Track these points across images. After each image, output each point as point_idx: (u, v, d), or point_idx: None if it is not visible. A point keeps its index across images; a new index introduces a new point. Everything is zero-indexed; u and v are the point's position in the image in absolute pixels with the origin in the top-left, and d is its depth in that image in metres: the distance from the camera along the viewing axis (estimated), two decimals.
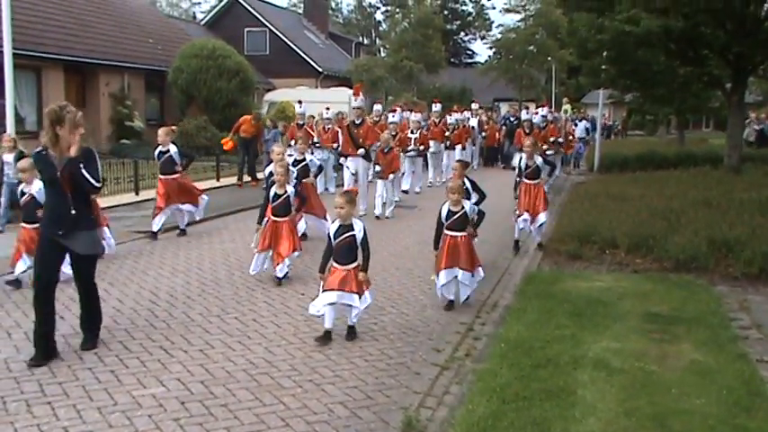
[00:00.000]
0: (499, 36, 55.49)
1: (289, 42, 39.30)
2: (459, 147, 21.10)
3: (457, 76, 55.90)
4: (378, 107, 19.72)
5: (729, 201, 12.11)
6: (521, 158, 10.97)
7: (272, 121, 19.83)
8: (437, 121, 20.59)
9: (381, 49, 58.14)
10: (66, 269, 6.50)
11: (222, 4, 41.68)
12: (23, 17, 21.26)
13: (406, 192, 16.97)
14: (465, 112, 23.95)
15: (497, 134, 26.12)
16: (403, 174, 16.92)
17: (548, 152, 16.18)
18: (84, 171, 5.97)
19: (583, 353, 6.14)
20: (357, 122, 13.84)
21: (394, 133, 16.25)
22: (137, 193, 15.62)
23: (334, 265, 6.67)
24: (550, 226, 12.70)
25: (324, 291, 6.59)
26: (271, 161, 10.26)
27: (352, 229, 6.63)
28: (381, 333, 6.91)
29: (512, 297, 8.20)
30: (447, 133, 20.37)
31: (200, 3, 67.97)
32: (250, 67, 27.98)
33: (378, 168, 13.93)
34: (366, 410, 5.18)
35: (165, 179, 11.27)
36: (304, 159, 11.14)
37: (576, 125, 26.24)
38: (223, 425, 4.89)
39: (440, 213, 7.73)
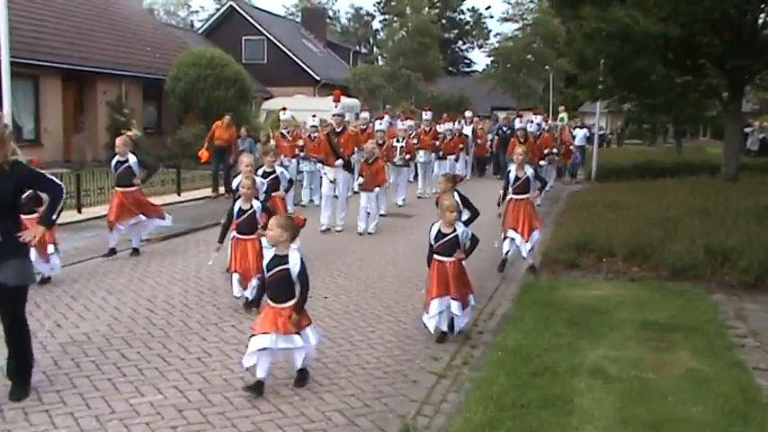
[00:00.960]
0: (497, 45, 55.66)
1: (286, 51, 39.39)
2: (452, 157, 20.36)
3: (455, 84, 56.06)
4: (365, 115, 19.29)
5: (726, 209, 12.13)
6: (509, 170, 10.06)
7: (246, 130, 18.62)
8: (427, 129, 19.90)
9: (379, 57, 58.30)
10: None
11: (220, 12, 41.81)
12: (21, 25, 21.28)
13: (401, 206, 16.51)
14: (460, 121, 23.49)
15: (486, 144, 25.15)
16: (389, 186, 16.11)
17: (541, 163, 15.48)
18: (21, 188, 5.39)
19: (580, 361, 6.14)
20: (337, 130, 13.24)
21: (381, 142, 15.64)
22: None
23: (268, 302, 5.69)
24: (547, 235, 12.74)
25: (253, 335, 5.54)
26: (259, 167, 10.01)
27: (287, 262, 5.49)
28: (378, 341, 6.91)
29: (509, 305, 8.21)
30: (437, 143, 19.68)
31: (197, 11, 68.31)
32: (248, 75, 28.01)
33: (361, 180, 13.08)
34: (363, 418, 5.18)
35: (123, 192, 10.33)
36: (274, 172, 10.22)
37: (573, 134, 25.34)
38: None
39: (430, 233, 7.01)
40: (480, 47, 74.63)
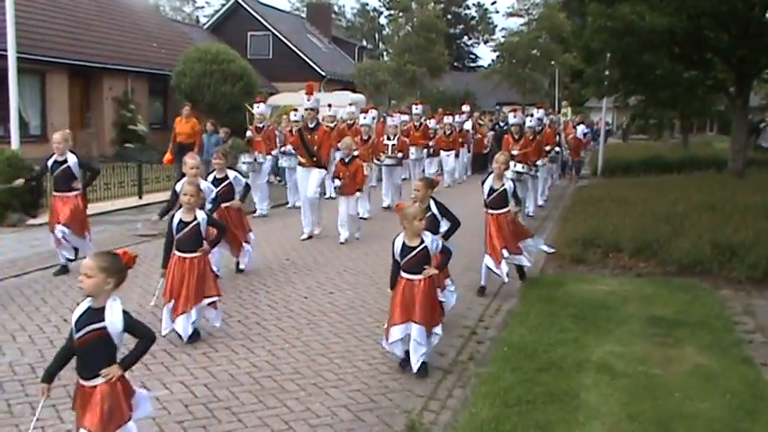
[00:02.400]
0: (502, 40, 55.53)
1: (292, 46, 39.36)
2: (453, 153, 19.81)
3: (460, 80, 55.99)
4: (351, 109, 18.24)
5: (733, 204, 12.09)
6: (485, 178, 8.67)
7: (212, 125, 16.89)
8: (417, 125, 18.85)
9: (384, 53, 58.24)
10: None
11: (225, 8, 41.77)
12: (28, 21, 21.33)
13: (387, 208, 14.99)
14: (461, 116, 22.34)
15: (484, 139, 24.35)
16: (375, 186, 15.46)
17: (538, 162, 13.95)
18: None
19: (586, 356, 6.13)
20: (310, 126, 11.77)
21: (366, 137, 14.52)
22: (140, 197, 15.64)
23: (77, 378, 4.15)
24: (553, 230, 12.72)
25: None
26: (210, 172, 9.06)
27: (103, 318, 3.94)
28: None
29: (515, 301, 8.19)
30: (431, 142, 18.97)
31: (203, 7, 68.30)
32: (253, 71, 28.02)
33: (337, 183, 11.56)
34: (369, 413, 5.18)
35: (61, 197, 8.96)
36: (226, 177, 8.92)
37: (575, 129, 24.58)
38: (226, 428, 4.90)
39: (393, 248, 6.00)
40: (486, 42, 74.53)
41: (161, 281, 6.78)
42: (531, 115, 14.95)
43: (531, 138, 13.78)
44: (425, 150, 18.60)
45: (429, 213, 6.61)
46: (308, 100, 11.70)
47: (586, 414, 5.03)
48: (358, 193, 11.69)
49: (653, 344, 6.54)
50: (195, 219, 6.64)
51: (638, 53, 16.60)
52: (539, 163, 14.00)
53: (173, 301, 6.49)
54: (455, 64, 67.94)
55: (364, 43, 62.76)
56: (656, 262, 9.59)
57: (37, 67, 21.46)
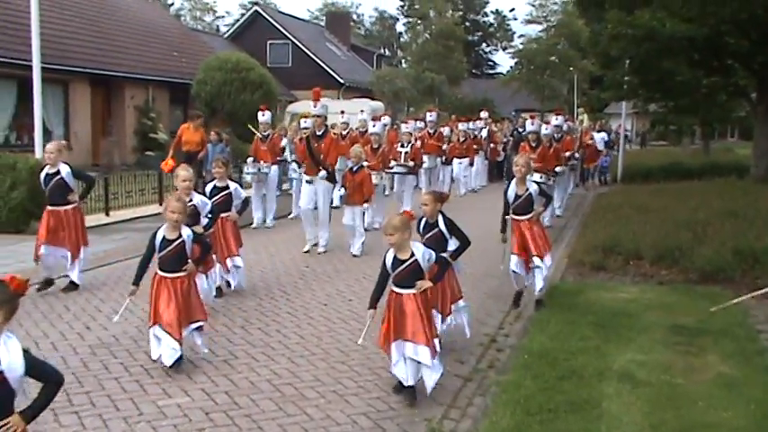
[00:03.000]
0: (521, 47, 55.44)
1: (311, 54, 39.57)
2: (466, 160, 19.22)
3: (479, 87, 55.97)
4: (363, 116, 17.72)
5: (756, 211, 11.98)
6: (507, 186, 8.30)
7: (216, 133, 15.95)
8: (431, 132, 18.12)
9: (403, 60, 58.32)
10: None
11: (245, 17, 42.16)
12: (52, 32, 21.56)
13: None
14: (477, 122, 21.98)
15: (498, 147, 23.50)
16: (387, 194, 14.83)
17: (557, 169, 13.63)
18: None
19: (608, 365, 6.10)
20: (318, 134, 11.24)
21: (376, 146, 13.63)
22: (161, 204, 15.71)
23: None
24: (573, 237, 12.66)
25: None
26: (210, 181, 8.83)
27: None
28: None
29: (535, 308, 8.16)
30: (444, 146, 18.20)
31: (223, 16, 68.82)
32: (273, 79, 28.17)
33: (342, 192, 11.26)
34: (389, 422, 5.17)
35: (55, 211, 8.47)
36: (226, 187, 8.46)
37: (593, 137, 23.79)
38: None
39: (384, 262, 5.64)
40: (504, 49, 74.41)
41: (128, 299, 6.41)
42: (548, 123, 14.32)
43: (548, 145, 13.59)
44: (439, 159, 18.07)
45: (436, 229, 6.36)
46: (315, 107, 11.24)
47: (608, 423, 5.00)
48: (365, 205, 11.33)
49: (675, 352, 6.49)
50: (180, 236, 6.14)
51: (657, 59, 16.52)
52: (558, 170, 13.69)
53: (157, 325, 6.00)
54: (473, 71, 67.88)
55: (383, 51, 62.91)
56: (678, 269, 9.52)
57: (60, 77, 21.70)
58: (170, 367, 5.96)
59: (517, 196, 7.98)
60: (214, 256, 7.90)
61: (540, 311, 7.90)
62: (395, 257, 5.51)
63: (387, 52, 65.92)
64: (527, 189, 7.95)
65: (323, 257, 10.90)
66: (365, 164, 11.71)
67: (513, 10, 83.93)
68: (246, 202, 8.92)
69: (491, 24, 75.26)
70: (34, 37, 12.33)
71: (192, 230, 6.37)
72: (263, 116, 14.28)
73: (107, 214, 14.10)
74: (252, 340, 6.92)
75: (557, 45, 50.59)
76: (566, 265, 10.34)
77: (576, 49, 46.60)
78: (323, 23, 52.80)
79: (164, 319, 5.95)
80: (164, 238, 6.16)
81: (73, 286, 8.63)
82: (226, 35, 43.30)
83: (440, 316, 6.35)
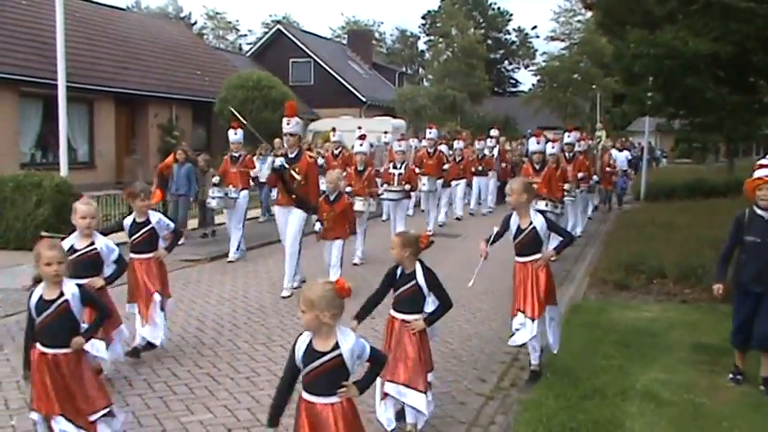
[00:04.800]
0: (543, 64, 55.43)
1: (333, 72, 39.82)
2: (463, 181, 17.58)
3: (501, 105, 55.91)
4: (387, 138, 16.33)
5: None
6: (508, 217, 6.44)
7: (183, 152, 13.92)
8: (431, 151, 16.17)
9: (424, 78, 58.52)
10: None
11: (268, 35, 42.55)
12: (77, 51, 21.90)
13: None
14: (480, 142, 20.05)
15: (508, 167, 21.52)
16: (386, 219, 13.51)
17: (566, 198, 12.04)
18: None
19: (631, 384, 6.05)
20: (291, 156, 9.36)
21: (361, 167, 12.01)
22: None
23: None
24: (596, 255, 12.57)
25: None
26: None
27: None
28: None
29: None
30: (445, 166, 16.32)
31: (246, 35, 69.33)
32: (295, 97, 28.37)
33: (319, 226, 9.37)
34: None
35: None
36: (147, 222, 6.78)
37: (614, 157, 21.96)
38: None
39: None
40: (526, 67, 74.43)
41: (29, 386, 4.78)
42: (554, 140, 12.46)
43: (554, 167, 11.61)
44: (440, 181, 16.08)
45: (413, 283, 5.18)
46: (288, 123, 9.34)
47: None
48: (338, 241, 9.52)
49: (699, 372, 6.43)
50: (62, 295, 4.49)
51: (681, 77, 16.45)
52: (566, 199, 12.02)
53: (43, 419, 4.48)
54: (495, 89, 67.93)
55: (404, 69, 63.18)
56: (702, 288, 9.41)
57: (85, 96, 22.02)
58: None
59: (519, 231, 6.29)
60: (134, 310, 6.80)
61: (564, 329, 7.84)
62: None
63: (408, 70, 66.22)
64: (530, 222, 6.24)
65: (345, 275, 10.88)
66: (348, 189, 10.91)
67: (535, 27, 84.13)
68: (177, 233, 7.24)
69: (513, 42, 75.37)
70: (60, 56, 12.52)
71: (80, 286, 4.64)
72: (235, 135, 12.59)
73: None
74: (274, 357, 6.95)
75: (579, 63, 50.52)
76: (588, 284, 10.29)
77: (599, 66, 46.56)
78: (345, 41, 53.17)
79: (43, 407, 4.42)
80: (40, 298, 4.50)
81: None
82: (248, 53, 43.71)
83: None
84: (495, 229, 6.43)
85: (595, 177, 16.45)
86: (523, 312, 6.23)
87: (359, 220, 11.24)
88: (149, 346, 6.83)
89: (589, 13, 44.55)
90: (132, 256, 6.76)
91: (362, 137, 12.58)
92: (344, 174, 11.43)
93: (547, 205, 10.67)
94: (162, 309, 6.81)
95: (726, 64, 16.20)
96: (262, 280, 10.67)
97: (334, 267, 9.50)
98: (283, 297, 9.29)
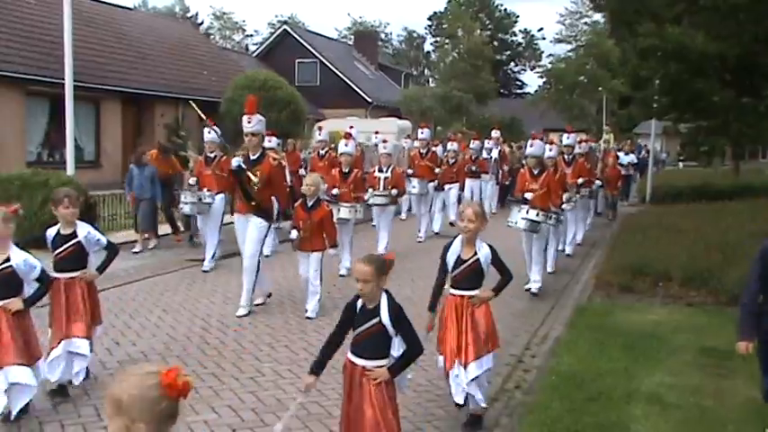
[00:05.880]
0: (549, 66, 55.38)
1: (339, 73, 39.84)
2: (456, 185, 16.12)
3: (507, 106, 55.82)
4: (320, 135, 15.06)
5: None
6: (450, 243, 5.65)
7: (143, 153, 13.21)
8: (423, 152, 15.28)
9: (431, 79, 58.51)
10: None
11: (274, 35, 42.62)
12: (84, 50, 21.94)
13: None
14: (484, 142, 19.33)
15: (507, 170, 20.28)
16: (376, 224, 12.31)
17: (564, 206, 10.76)
18: None
19: (636, 387, 6.04)
20: (252, 157, 8.46)
21: (346, 170, 11.18)
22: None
23: None
24: (601, 258, 12.54)
25: None
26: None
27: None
28: (430, 363, 6.87)
29: (562, 329, 8.11)
30: (437, 170, 15.14)
31: (252, 35, 69.42)
32: (301, 97, 28.39)
33: (294, 234, 8.46)
34: None
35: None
36: (74, 235, 5.86)
37: (620, 162, 21.58)
38: None
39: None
40: (533, 68, 74.36)
41: None
42: (552, 143, 11.62)
43: (553, 170, 10.57)
44: (431, 184, 15.05)
45: (376, 320, 4.27)
46: (249, 122, 8.38)
47: None
48: (331, 250, 8.58)
49: (705, 375, 6.41)
50: None
51: (687, 79, 16.43)
52: (565, 206, 10.80)
53: None
54: (502, 90, 67.85)
55: (410, 70, 63.17)
56: (707, 291, 9.40)
57: (92, 95, 22.05)
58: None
59: (460, 261, 5.52)
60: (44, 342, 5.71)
61: (568, 332, 7.83)
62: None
63: (414, 71, 66.22)
64: (475, 253, 5.49)
65: (350, 277, 10.87)
66: (335, 192, 10.45)
67: (541, 29, 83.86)
68: (113, 250, 6.17)
69: (519, 44, 75.32)
70: (67, 56, 12.55)
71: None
72: (209, 134, 11.50)
73: (136, 231, 14.18)
74: (278, 357, 6.95)
75: (586, 65, 50.44)
76: (593, 286, 10.27)
77: (606, 69, 46.47)
78: (351, 42, 53.20)
79: None
80: None
81: None
82: (255, 54, 43.78)
83: None
84: (435, 283, 5.67)
85: (598, 182, 15.32)
86: (458, 359, 5.35)
87: (345, 229, 10.67)
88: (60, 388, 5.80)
89: (596, 16, 44.55)
90: (55, 274, 5.73)
91: (348, 135, 11.54)
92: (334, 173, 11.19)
93: (538, 215, 9.58)
94: (88, 338, 5.83)
95: (733, 66, 16.19)
96: None
97: (313, 287, 8.47)
98: (238, 316, 8.34)
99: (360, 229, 13.23)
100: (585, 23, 54.76)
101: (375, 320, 4.24)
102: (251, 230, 8.48)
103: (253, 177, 8.34)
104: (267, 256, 10.84)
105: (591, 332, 7.68)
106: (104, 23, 26.64)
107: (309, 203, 8.38)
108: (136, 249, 12.41)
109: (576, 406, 5.59)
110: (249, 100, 8.52)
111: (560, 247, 12.43)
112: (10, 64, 20.04)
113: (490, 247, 5.55)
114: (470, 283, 5.47)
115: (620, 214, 19.12)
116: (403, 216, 16.07)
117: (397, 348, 4.35)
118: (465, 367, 5.30)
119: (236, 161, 8.43)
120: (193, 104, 12.96)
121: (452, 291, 5.54)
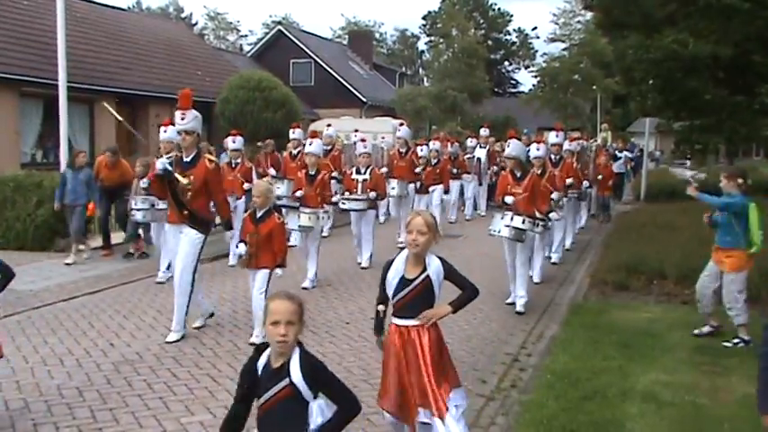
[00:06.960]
0: (543, 65, 55.44)
1: (333, 73, 39.82)
2: (440, 187, 14.78)
3: (501, 105, 55.88)
4: (330, 132, 14.77)
5: None
6: (391, 260, 4.65)
7: (82, 156, 12.26)
8: (402, 151, 14.34)
9: (425, 78, 58.52)
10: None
11: (268, 36, 42.53)
12: (77, 51, 21.88)
13: (364, 267, 11.19)
14: (467, 140, 18.92)
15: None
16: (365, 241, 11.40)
17: (552, 215, 9.58)
18: None
19: (631, 385, 6.05)
20: (186, 159, 7.53)
21: (312, 172, 10.21)
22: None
23: None
24: (596, 256, 12.55)
25: None
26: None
27: None
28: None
29: (558, 328, 8.12)
30: (418, 169, 14.03)
31: (246, 35, 69.36)
32: (296, 98, 28.36)
33: (242, 249, 7.32)
34: None
35: None
36: None
37: (615, 157, 20.93)
38: None
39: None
40: (527, 67, 74.40)
41: None
42: (540, 143, 10.13)
43: (539, 173, 9.42)
44: (412, 185, 13.97)
45: (286, 382, 3.34)
46: (183, 118, 7.54)
47: None
48: (278, 270, 7.48)
49: (700, 373, 6.43)
50: None
51: (681, 79, 16.46)
52: (552, 215, 9.59)
53: None
54: (496, 89, 67.89)
55: (405, 69, 63.17)
56: None
57: (86, 96, 21.99)
58: None
59: (404, 282, 4.50)
60: None
61: (564, 330, 7.85)
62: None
63: (409, 71, 66.20)
64: (424, 270, 4.50)
65: (345, 275, 10.87)
66: (300, 193, 9.82)
67: (535, 28, 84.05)
68: (9, 272, 5.38)
69: (513, 43, 75.36)
70: (60, 56, 12.53)
71: None
72: (165, 132, 9.59)
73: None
74: None
75: (579, 64, 50.51)
76: (588, 284, 10.29)
77: (600, 67, 46.55)
78: (345, 42, 53.19)
79: None
80: None
81: None
82: (249, 54, 43.70)
83: None
84: (377, 305, 4.66)
85: (586, 183, 13.88)
86: (424, 409, 4.35)
87: (310, 236, 9.91)
88: None
89: (589, 15, 44.58)
90: None
91: (314, 134, 10.46)
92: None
93: (524, 222, 8.56)
94: None
95: (726, 65, 16.23)
96: None
97: (257, 302, 7.27)
98: (168, 342, 7.30)
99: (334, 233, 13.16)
100: (579, 22, 54.76)
101: (285, 383, 3.31)
102: (183, 244, 7.44)
103: (182, 180, 7.37)
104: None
105: (586, 331, 7.70)
106: (98, 24, 26.57)
107: (258, 214, 7.35)
108: (68, 261, 11.29)
109: (571, 404, 5.60)
110: (183, 93, 7.58)
111: (546, 254, 11.49)
112: (3, 65, 19.96)
113: (441, 259, 4.58)
114: (418, 308, 4.45)
115: (614, 213, 19.13)
116: (381, 219, 15.40)
117: (319, 415, 3.33)
118: (442, 420, 4.28)
119: (161, 163, 7.47)
120: (107, 105, 12.94)
121: (395, 320, 4.52)
